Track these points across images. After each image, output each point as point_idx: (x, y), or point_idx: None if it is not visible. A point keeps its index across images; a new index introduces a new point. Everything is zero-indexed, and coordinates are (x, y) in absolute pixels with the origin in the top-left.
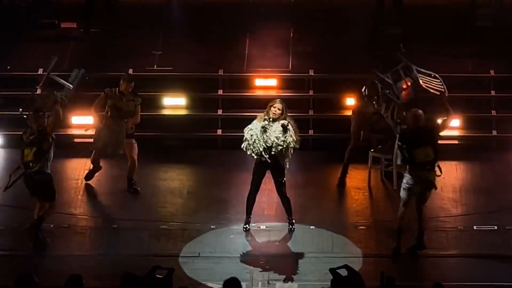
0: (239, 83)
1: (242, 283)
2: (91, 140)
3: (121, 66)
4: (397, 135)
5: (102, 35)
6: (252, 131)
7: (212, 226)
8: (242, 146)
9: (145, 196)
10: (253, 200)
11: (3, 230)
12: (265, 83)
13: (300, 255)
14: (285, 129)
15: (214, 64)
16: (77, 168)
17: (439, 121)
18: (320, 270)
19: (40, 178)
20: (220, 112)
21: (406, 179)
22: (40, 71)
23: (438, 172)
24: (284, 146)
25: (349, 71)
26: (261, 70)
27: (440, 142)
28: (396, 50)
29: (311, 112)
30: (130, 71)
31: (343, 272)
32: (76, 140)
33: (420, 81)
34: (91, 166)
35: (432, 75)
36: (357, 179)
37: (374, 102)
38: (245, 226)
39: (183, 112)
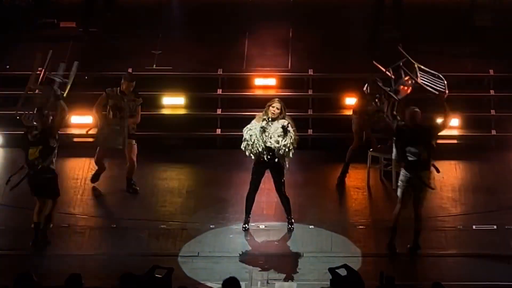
0: (238, 82)
1: (241, 283)
2: (91, 139)
3: (120, 65)
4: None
5: (101, 35)
6: (251, 131)
7: (211, 226)
8: (241, 147)
9: (144, 195)
10: (252, 200)
11: (3, 230)
12: (265, 82)
13: (299, 255)
14: (285, 131)
15: (214, 64)
16: (76, 168)
17: (439, 121)
18: (319, 269)
19: (47, 175)
20: (219, 111)
21: (401, 176)
22: (39, 71)
23: (434, 172)
24: (286, 150)
25: (348, 70)
26: (261, 70)
27: (439, 141)
28: (397, 49)
29: (310, 112)
30: (130, 70)
31: (342, 272)
32: (76, 139)
33: (418, 78)
34: (96, 167)
35: (436, 75)
36: (356, 179)
37: (376, 100)
38: (244, 226)
39: (182, 111)
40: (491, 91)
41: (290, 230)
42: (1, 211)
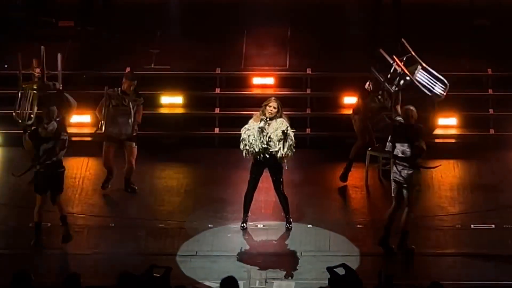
0: (236, 81)
1: (239, 282)
2: (89, 138)
3: (118, 64)
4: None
5: (99, 34)
6: (249, 131)
7: (209, 225)
8: (240, 147)
9: (142, 194)
10: (251, 199)
11: (1, 229)
12: (263, 81)
13: (298, 254)
14: (285, 136)
15: (212, 63)
16: (75, 167)
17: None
18: (318, 268)
19: (59, 170)
20: (217, 110)
21: (391, 174)
22: (38, 70)
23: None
24: (288, 154)
25: (346, 69)
26: (259, 69)
27: (437, 140)
28: (397, 47)
29: (308, 111)
30: (128, 69)
31: (341, 271)
32: (74, 138)
33: (415, 75)
34: (106, 171)
35: (440, 79)
36: (354, 178)
37: (379, 97)
38: (242, 225)
39: (180, 110)
40: (489, 90)
41: (288, 229)
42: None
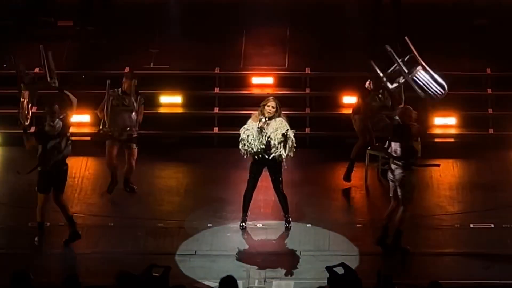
0: (235, 81)
1: (238, 281)
2: (88, 138)
3: (117, 64)
4: None
5: (98, 33)
6: (248, 131)
7: (209, 224)
8: (240, 147)
9: (141, 194)
10: (250, 198)
11: (1, 229)
12: (262, 81)
13: (297, 253)
14: (285, 138)
15: (211, 62)
16: (74, 167)
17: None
18: (317, 268)
19: (64, 167)
20: (216, 110)
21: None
22: (37, 70)
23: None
24: (290, 156)
25: (345, 69)
26: (258, 68)
27: (437, 140)
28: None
29: (307, 110)
30: (127, 69)
31: (340, 270)
32: (73, 138)
33: (413, 75)
34: (110, 173)
35: (440, 83)
36: (354, 177)
37: (379, 96)
38: (241, 224)
39: (179, 110)
40: (488, 89)
41: (287, 229)
42: None
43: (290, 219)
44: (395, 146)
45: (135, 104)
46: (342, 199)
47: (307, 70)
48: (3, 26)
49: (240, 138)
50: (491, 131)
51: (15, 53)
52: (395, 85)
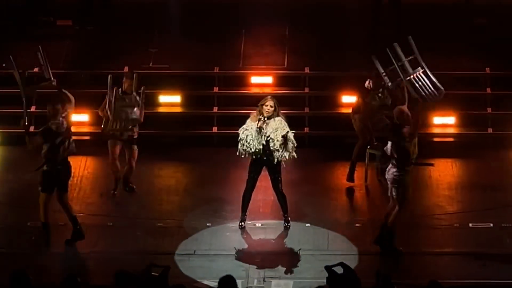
0: (234, 80)
1: (237, 281)
2: (88, 137)
3: (117, 64)
4: None
5: (98, 33)
6: (247, 131)
7: (208, 224)
8: (239, 147)
9: (141, 193)
10: (249, 198)
11: (0, 228)
12: (261, 80)
13: (296, 253)
14: (286, 140)
15: (210, 62)
16: (73, 166)
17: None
18: (316, 267)
19: (68, 166)
20: (215, 109)
21: None
22: (36, 69)
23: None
24: (284, 159)
25: (345, 68)
26: (257, 68)
27: (436, 139)
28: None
29: (307, 110)
30: (126, 68)
31: (339, 270)
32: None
33: (411, 76)
34: (113, 173)
35: (438, 87)
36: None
37: (379, 94)
38: (240, 224)
39: (178, 109)
40: (487, 89)
41: (286, 228)
42: None
43: (289, 219)
44: (389, 146)
45: (137, 98)
46: (341, 198)
47: (306, 70)
48: (3, 26)
49: (239, 138)
50: (490, 130)
51: (14, 53)
52: (395, 83)
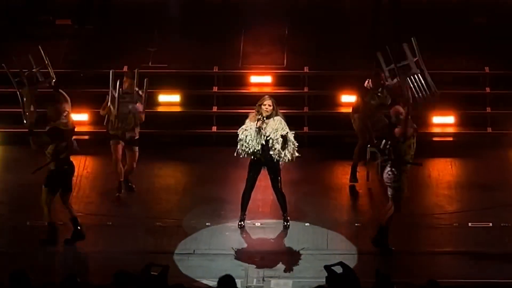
0: (234, 80)
1: (237, 280)
2: (87, 137)
3: (116, 63)
4: None
5: (97, 32)
6: (247, 131)
7: (207, 223)
8: (238, 147)
9: (140, 193)
10: (248, 197)
11: (0, 228)
12: (260, 80)
13: (295, 252)
14: (285, 141)
15: (209, 61)
16: None
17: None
18: (315, 267)
19: (72, 166)
20: (215, 109)
21: None
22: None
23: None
24: (290, 159)
25: (344, 68)
26: (256, 67)
27: (435, 139)
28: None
29: (306, 109)
30: (125, 68)
31: (338, 269)
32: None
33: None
34: (116, 172)
35: (433, 90)
36: None
37: (379, 94)
38: (240, 223)
39: (178, 109)
40: (486, 88)
41: (286, 228)
42: None
43: (289, 218)
44: (383, 144)
45: (140, 93)
46: (340, 198)
47: (306, 69)
48: (3, 26)
49: (239, 138)
50: (489, 130)
51: (14, 53)
52: (395, 80)
